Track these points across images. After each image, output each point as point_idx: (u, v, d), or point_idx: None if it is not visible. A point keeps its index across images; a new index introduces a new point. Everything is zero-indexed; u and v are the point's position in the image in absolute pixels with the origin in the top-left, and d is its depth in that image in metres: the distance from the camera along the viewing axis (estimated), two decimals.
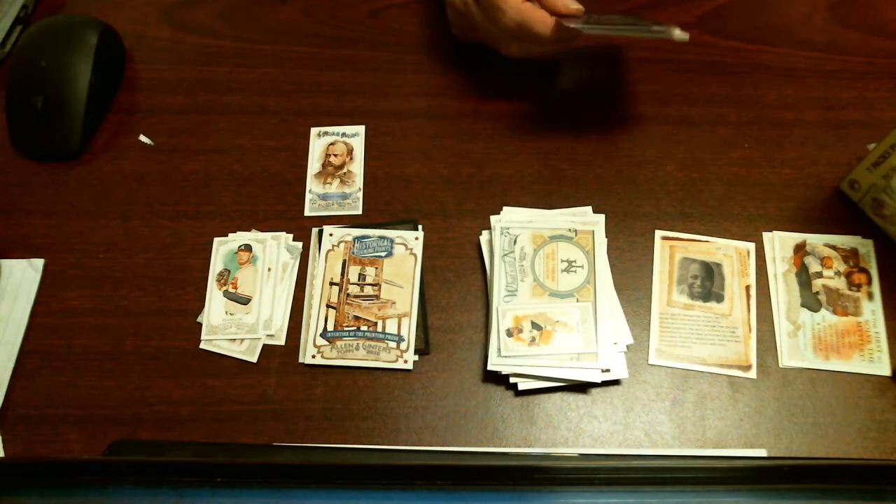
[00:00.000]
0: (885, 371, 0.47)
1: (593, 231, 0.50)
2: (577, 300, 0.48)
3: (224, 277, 0.51)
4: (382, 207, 0.53)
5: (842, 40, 0.60)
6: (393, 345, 0.48)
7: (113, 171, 0.55)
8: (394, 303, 0.49)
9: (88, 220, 0.53)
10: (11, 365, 0.48)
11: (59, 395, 0.47)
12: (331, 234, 0.51)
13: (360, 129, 0.56)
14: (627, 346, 0.48)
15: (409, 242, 0.51)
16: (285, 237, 0.52)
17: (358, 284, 0.50)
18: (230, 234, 0.52)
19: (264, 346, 0.49)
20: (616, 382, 0.47)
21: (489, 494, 0.34)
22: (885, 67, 0.59)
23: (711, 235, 0.52)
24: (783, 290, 0.50)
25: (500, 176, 0.54)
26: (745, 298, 0.49)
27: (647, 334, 0.49)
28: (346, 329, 0.48)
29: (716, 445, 0.45)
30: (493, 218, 0.51)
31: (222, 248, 0.52)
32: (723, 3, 0.62)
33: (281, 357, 0.48)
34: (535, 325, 0.47)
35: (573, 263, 0.49)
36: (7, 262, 0.51)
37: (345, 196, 0.54)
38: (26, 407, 0.47)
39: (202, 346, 0.49)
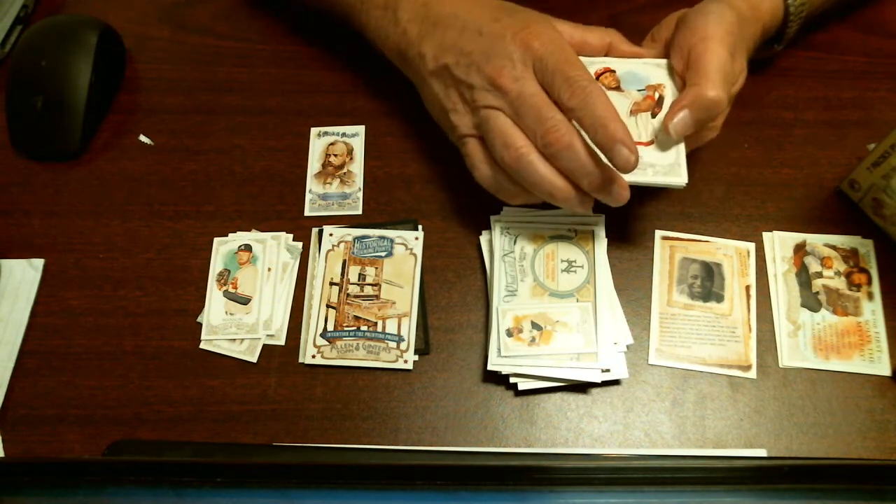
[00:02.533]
0: (885, 371, 0.47)
1: (593, 231, 0.50)
2: (577, 300, 0.48)
3: (224, 277, 0.51)
4: (382, 207, 0.53)
5: (842, 40, 0.60)
6: (393, 345, 0.48)
7: (113, 171, 0.55)
8: (394, 303, 0.49)
9: (88, 220, 0.53)
10: (11, 365, 0.48)
11: (59, 395, 0.47)
12: (331, 234, 0.51)
13: (360, 129, 0.56)
14: (627, 346, 0.48)
15: (409, 242, 0.51)
16: (285, 237, 0.52)
17: (358, 284, 0.50)
18: (230, 234, 0.52)
19: (264, 346, 0.49)
20: (616, 382, 0.47)
21: (489, 494, 0.34)
22: (885, 67, 0.59)
23: (711, 235, 0.52)
24: (783, 290, 0.50)
25: None
26: (745, 298, 0.49)
27: (647, 334, 0.49)
28: (346, 329, 0.48)
29: (716, 445, 0.45)
30: (493, 218, 0.51)
31: (222, 248, 0.52)
32: None
33: (281, 357, 0.48)
34: (535, 325, 0.47)
35: (573, 263, 0.49)
36: (7, 262, 0.51)
37: (345, 196, 0.54)
38: (26, 407, 0.47)
39: (202, 346, 0.49)
